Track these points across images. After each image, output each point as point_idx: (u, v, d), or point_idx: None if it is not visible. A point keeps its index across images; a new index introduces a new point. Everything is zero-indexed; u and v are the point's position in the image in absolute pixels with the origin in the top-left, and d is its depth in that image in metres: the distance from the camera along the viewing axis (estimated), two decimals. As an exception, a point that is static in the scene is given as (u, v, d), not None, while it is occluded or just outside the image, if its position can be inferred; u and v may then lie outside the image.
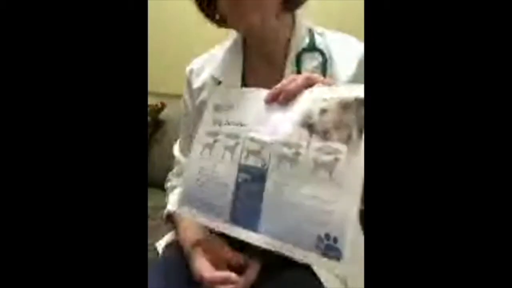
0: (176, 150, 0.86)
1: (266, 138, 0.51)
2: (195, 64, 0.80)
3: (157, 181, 1.12)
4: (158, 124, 1.64)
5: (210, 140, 0.57)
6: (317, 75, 0.50)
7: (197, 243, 0.57)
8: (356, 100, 0.45)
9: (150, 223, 1.12)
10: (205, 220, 0.54)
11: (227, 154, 0.54)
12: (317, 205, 0.44)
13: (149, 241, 0.77)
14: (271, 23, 0.66)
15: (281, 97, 0.51)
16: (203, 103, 0.74)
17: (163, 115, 1.65)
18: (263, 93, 0.54)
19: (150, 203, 1.29)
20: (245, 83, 0.73)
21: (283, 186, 0.47)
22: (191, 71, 0.79)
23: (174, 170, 0.86)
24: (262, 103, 0.53)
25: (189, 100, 0.79)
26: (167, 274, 0.63)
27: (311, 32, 0.71)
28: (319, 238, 0.43)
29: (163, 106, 1.64)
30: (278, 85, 0.52)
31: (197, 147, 0.58)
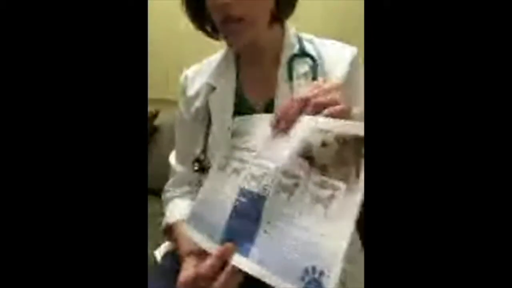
0: (172, 159, 0.85)
1: (269, 164, 0.51)
2: (189, 71, 0.81)
3: (152, 188, 1.10)
4: (153, 130, 1.63)
5: (224, 162, 0.59)
6: (312, 96, 0.50)
7: (190, 253, 0.57)
8: (356, 138, 0.45)
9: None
10: (199, 239, 0.54)
11: (233, 177, 0.55)
12: (309, 238, 0.44)
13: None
14: (264, 34, 0.68)
15: (282, 125, 0.52)
16: (198, 110, 0.75)
17: (157, 121, 1.64)
18: (266, 118, 0.55)
19: (145, 210, 1.29)
20: (239, 89, 0.73)
21: (279, 215, 0.47)
22: (185, 78, 0.80)
23: (171, 181, 0.84)
24: (268, 128, 0.54)
25: (184, 108, 0.79)
26: (164, 283, 0.62)
27: (300, 39, 0.73)
28: (306, 270, 0.43)
29: (157, 112, 1.63)
30: (279, 111, 0.52)
31: (213, 168, 0.60)
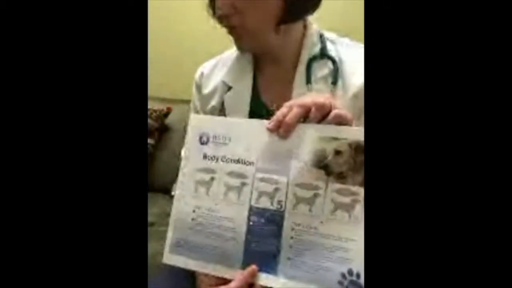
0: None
1: (279, 178, 0.49)
2: (205, 68, 0.78)
3: (163, 187, 1.12)
4: (164, 129, 1.65)
5: (205, 177, 0.53)
6: (311, 102, 0.48)
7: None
8: None
9: (156, 229, 1.12)
10: (213, 270, 0.50)
11: (232, 195, 0.51)
12: (338, 244, 0.46)
13: (156, 248, 0.77)
14: (271, 38, 0.66)
15: (281, 131, 0.48)
16: (214, 108, 0.73)
17: (168, 120, 1.65)
18: (259, 124, 0.51)
19: (156, 209, 1.31)
20: (256, 89, 0.71)
21: (302, 227, 0.48)
22: (201, 75, 0.77)
23: None
24: (262, 137, 0.50)
25: (199, 106, 0.77)
26: (173, 281, 0.62)
27: (322, 39, 0.69)
28: (343, 275, 0.45)
29: (168, 111, 1.64)
30: (277, 116, 0.49)
31: (188, 184, 0.54)
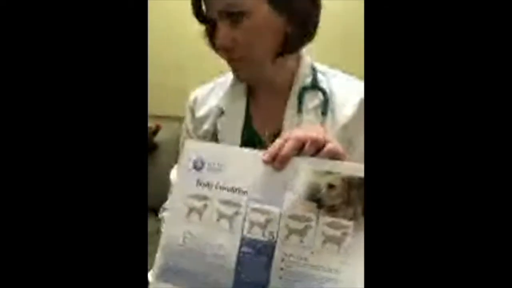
0: (174, 175, 0.84)
1: (272, 209, 0.49)
2: (199, 93, 0.80)
3: (151, 206, 1.09)
4: (153, 147, 1.63)
5: (198, 204, 0.52)
6: (306, 136, 0.49)
7: None
8: (360, 179, 0.47)
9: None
10: None
11: (224, 223, 0.50)
12: (327, 275, 0.47)
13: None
14: (268, 68, 0.67)
15: (276, 163, 0.49)
16: (207, 133, 0.75)
17: (157, 138, 1.64)
18: (254, 155, 0.51)
19: (144, 228, 1.27)
20: (248, 116, 0.73)
21: (292, 258, 0.48)
22: (195, 99, 0.79)
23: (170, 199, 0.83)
24: (257, 167, 0.51)
25: (192, 129, 0.78)
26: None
27: (314, 71, 0.72)
28: None
29: (157, 128, 1.63)
30: (272, 148, 0.50)
31: (179, 209, 0.53)
